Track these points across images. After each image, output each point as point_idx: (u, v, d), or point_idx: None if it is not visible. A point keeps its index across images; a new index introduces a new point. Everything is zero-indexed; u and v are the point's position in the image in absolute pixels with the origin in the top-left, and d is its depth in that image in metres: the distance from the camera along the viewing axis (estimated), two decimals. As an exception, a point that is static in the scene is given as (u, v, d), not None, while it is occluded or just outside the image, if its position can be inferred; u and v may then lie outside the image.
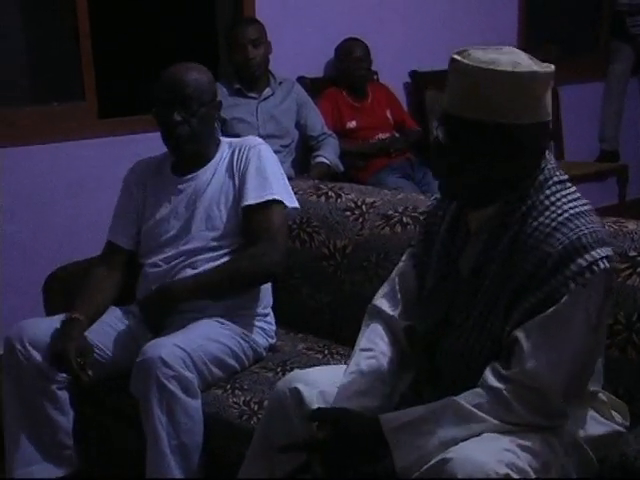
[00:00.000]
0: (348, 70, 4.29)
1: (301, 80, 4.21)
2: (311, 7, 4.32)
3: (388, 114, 4.41)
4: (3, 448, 2.40)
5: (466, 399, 1.61)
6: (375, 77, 4.51)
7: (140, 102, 3.95)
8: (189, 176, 2.52)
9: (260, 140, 2.59)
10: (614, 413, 1.78)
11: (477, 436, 1.58)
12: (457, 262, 1.78)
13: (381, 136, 4.31)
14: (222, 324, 2.41)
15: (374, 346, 1.87)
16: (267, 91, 3.94)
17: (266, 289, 2.58)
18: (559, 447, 1.64)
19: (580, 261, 1.59)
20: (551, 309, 1.59)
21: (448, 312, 1.78)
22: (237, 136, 3.77)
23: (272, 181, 2.47)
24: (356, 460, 1.67)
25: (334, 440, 1.68)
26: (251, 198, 2.43)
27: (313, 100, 4.12)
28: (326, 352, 2.51)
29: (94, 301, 2.45)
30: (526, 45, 5.11)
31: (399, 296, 1.92)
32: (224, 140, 2.59)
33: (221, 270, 2.41)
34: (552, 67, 1.66)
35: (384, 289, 1.96)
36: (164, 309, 2.38)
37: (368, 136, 4.29)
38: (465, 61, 1.63)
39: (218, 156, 2.53)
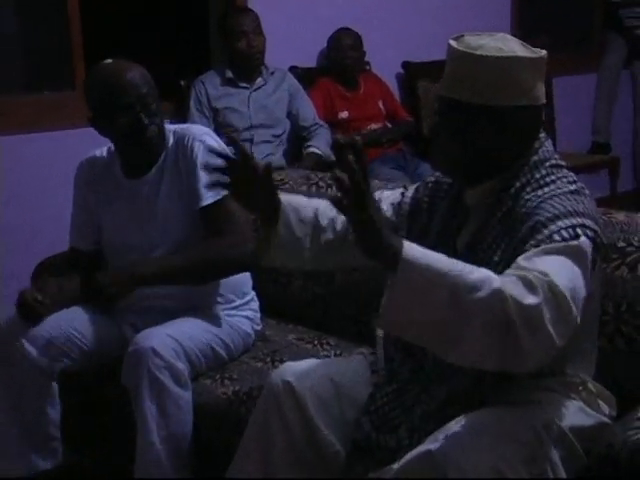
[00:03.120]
0: (338, 59, 4.28)
1: (293, 70, 4.20)
2: (303, -3, 4.32)
3: (380, 105, 4.40)
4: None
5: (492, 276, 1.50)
6: (367, 67, 4.51)
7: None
8: (142, 178, 2.39)
9: (205, 130, 2.45)
10: (601, 404, 1.78)
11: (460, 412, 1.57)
12: (455, 237, 1.81)
13: (373, 127, 4.30)
14: (218, 307, 2.41)
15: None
16: (259, 81, 3.93)
17: (249, 284, 2.54)
18: (547, 438, 1.64)
19: (566, 221, 1.59)
20: (547, 246, 1.55)
21: None
22: (228, 126, 3.83)
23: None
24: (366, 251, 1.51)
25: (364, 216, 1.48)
26: (207, 198, 2.30)
27: (305, 90, 4.11)
28: (316, 342, 2.51)
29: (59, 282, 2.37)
30: (519, 36, 5.10)
31: None
32: (168, 128, 2.42)
33: (189, 259, 2.30)
34: (542, 53, 1.72)
35: None
36: (124, 291, 2.27)
37: (360, 127, 4.27)
38: (455, 46, 1.71)
39: (164, 152, 2.38)
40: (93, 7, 4.08)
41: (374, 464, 1.75)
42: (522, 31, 5.17)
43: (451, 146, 1.74)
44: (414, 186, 1.97)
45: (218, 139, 2.41)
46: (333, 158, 4.40)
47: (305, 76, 4.24)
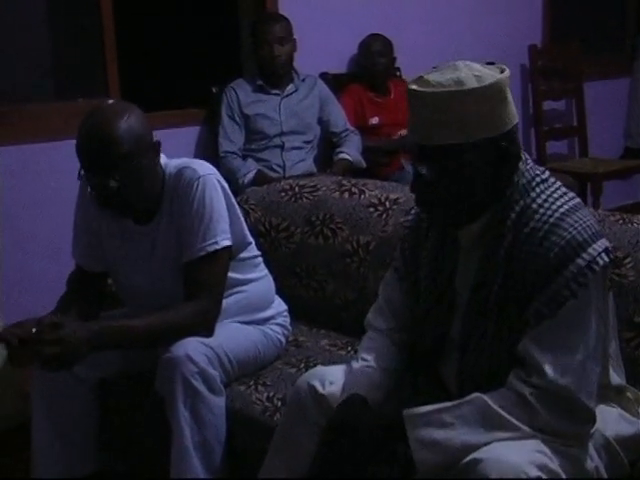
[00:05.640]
0: (368, 65, 4.29)
1: (324, 76, 4.21)
2: (335, 3, 4.33)
3: (411, 110, 4.39)
4: (27, 446, 2.41)
5: (492, 398, 1.59)
6: (398, 73, 4.50)
7: (163, 97, 3.97)
8: (147, 225, 2.29)
9: (202, 171, 2.24)
10: None
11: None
12: (452, 281, 1.76)
13: (403, 133, 4.29)
14: (244, 323, 2.41)
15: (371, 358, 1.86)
16: (290, 87, 3.94)
17: (272, 294, 2.54)
18: (592, 449, 1.63)
19: (579, 261, 1.58)
20: (558, 313, 1.57)
21: (448, 331, 1.76)
22: (259, 132, 3.84)
23: (213, 225, 2.21)
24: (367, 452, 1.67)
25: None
26: (194, 252, 2.21)
27: (336, 96, 4.11)
28: (349, 349, 2.50)
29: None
30: (551, 42, 5.07)
31: (387, 311, 1.92)
32: (166, 168, 2.27)
33: (157, 324, 2.19)
34: (505, 68, 1.65)
35: (375, 304, 1.96)
36: (84, 354, 2.09)
37: (390, 132, 4.27)
38: (428, 90, 1.59)
39: (163, 198, 2.26)
40: (126, 13, 4.11)
41: (398, 470, 1.73)
42: (553, 36, 5.14)
43: (453, 192, 1.64)
44: (398, 250, 1.93)
45: (220, 178, 2.29)
46: (364, 164, 4.42)
47: (335, 82, 4.25)
